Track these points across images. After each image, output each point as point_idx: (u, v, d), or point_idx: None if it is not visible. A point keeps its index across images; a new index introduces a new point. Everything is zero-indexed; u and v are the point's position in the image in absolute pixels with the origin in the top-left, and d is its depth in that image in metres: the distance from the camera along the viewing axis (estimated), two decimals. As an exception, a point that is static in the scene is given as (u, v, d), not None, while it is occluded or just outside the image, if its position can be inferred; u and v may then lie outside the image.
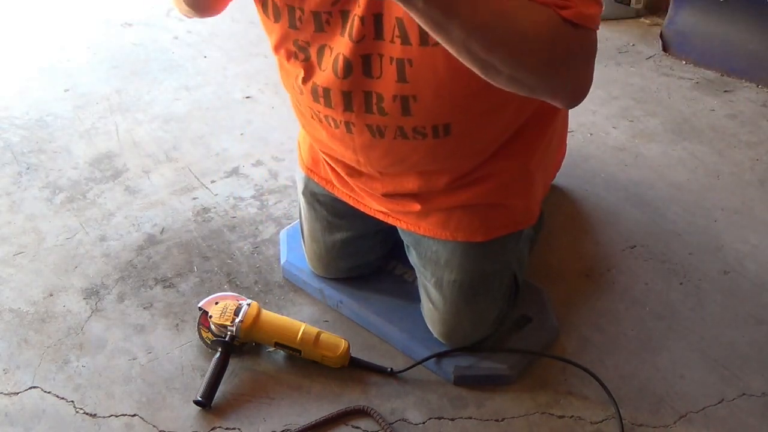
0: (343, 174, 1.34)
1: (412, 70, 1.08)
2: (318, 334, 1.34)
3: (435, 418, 1.28)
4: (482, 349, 1.34)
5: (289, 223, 1.68)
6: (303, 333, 1.33)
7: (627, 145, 2.01)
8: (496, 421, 1.27)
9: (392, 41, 1.06)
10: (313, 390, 1.33)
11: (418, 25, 0.97)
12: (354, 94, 1.14)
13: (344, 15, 1.07)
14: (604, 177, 1.88)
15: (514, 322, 1.39)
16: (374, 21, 1.05)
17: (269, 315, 1.38)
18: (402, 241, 1.43)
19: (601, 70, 2.36)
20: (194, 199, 1.81)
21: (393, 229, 1.41)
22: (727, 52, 2.34)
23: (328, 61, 1.13)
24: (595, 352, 1.40)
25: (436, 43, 1.00)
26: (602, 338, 1.43)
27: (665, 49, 2.48)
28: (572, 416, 1.28)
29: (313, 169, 1.42)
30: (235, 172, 1.90)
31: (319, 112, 1.20)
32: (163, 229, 1.71)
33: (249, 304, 1.36)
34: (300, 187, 1.48)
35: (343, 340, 1.34)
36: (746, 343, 1.42)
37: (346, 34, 1.08)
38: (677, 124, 2.10)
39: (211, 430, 1.27)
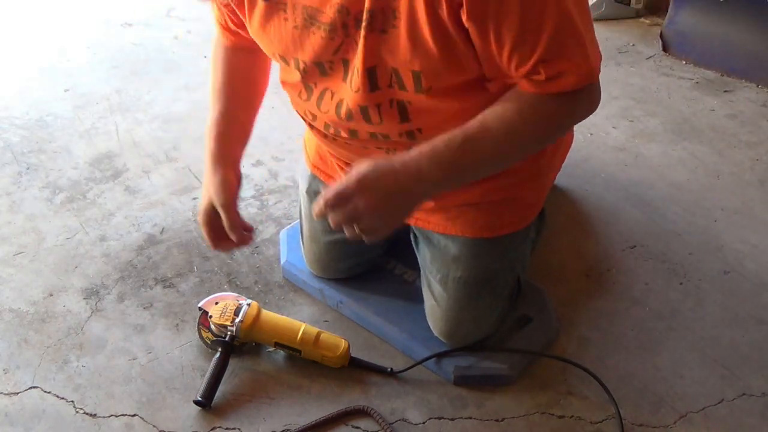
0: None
1: (413, 108, 1.10)
2: (318, 334, 1.34)
3: (435, 418, 1.28)
4: (483, 349, 1.34)
5: (289, 223, 1.68)
6: (303, 333, 1.33)
7: (627, 145, 2.01)
8: (496, 421, 1.27)
9: (390, 86, 1.08)
10: (313, 390, 1.33)
11: (412, 76, 1.04)
12: (359, 132, 1.17)
13: (345, 63, 1.09)
14: (604, 177, 1.88)
15: (515, 321, 1.40)
16: (369, 74, 1.06)
17: (269, 315, 1.38)
18: (402, 241, 1.43)
19: (601, 70, 2.36)
20: (194, 199, 1.81)
21: None
22: (727, 52, 2.34)
23: (329, 104, 1.15)
24: (595, 352, 1.40)
25: (430, 88, 1.04)
26: (602, 338, 1.43)
27: (665, 49, 2.48)
28: (572, 416, 1.28)
29: (319, 167, 1.43)
30: (235, 172, 1.90)
31: (328, 135, 1.23)
32: (163, 229, 1.71)
33: (249, 304, 1.36)
34: (303, 185, 1.48)
35: (343, 340, 1.34)
36: (746, 343, 1.42)
37: (348, 81, 1.10)
38: (677, 124, 2.10)
39: (211, 430, 1.26)
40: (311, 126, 1.25)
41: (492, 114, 1.03)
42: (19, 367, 1.37)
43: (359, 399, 1.30)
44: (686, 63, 2.42)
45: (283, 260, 1.56)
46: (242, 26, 1.21)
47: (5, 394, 1.32)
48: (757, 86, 2.28)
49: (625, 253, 1.63)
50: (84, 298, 1.52)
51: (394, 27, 0.99)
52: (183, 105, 2.20)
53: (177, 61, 2.45)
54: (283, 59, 1.15)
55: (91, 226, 1.72)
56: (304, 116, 1.25)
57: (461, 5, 0.93)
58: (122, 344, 1.42)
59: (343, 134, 1.19)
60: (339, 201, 0.98)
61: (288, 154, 1.96)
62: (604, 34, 2.59)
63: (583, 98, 1.05)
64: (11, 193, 1.84)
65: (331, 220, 1.01)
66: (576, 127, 2.04)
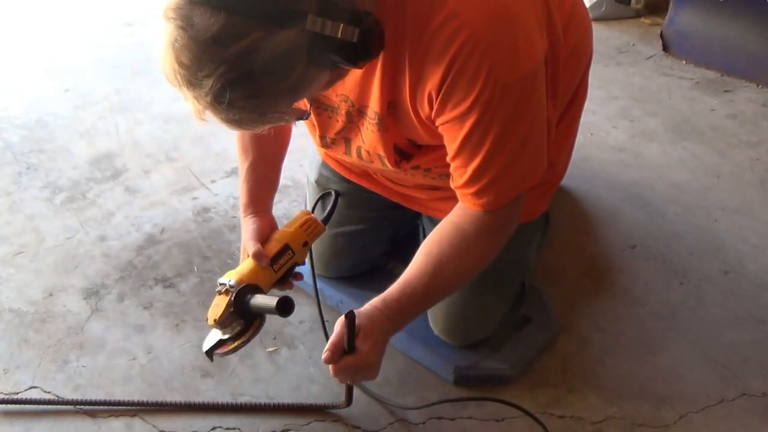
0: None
1: (424, 163, 1.22)
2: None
3: (435, 418, 1.28)
4: (483, 348, 1.34)
5: (289, 223, 1.68)
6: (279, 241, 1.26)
7: (627, 145, 2.01)
8: (496, 421, 1.27)
9: (398, 165, 1.21)
10: (313, 390, 1.33)
11: (410, 144, 1.19)
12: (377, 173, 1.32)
13: (347, 141, 1.23)
14: (604, 177, 1.88)
15: (515, 322, 1.39)
16: (379, 159, 1.21)
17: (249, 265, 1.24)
18: (402, 242, 1.43)
19: (601, 70, 2.36)
20: (194, 199, 1.81)
21: (399, 221, 1.43)
22: (727, 52, 2.34)
23: (352, 150, 1.26)
24: (595, 352, 1.40)
25: (423, 146, 1.20)
26: (602, 338, 1.43)
27: (665, 49, 2.48)
28: (572, 416, 1.28)
29: (331, 155, 1.43)
30: (235, 172, 1.90)
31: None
32: (163, 229, 1.71)
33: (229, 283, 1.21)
34: (313, 175, 1.49)
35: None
36: (746, 343, 1.42)
37: (353, 153, 1.24)
38: (677, 124, 2.10)
39: (211, 430, 1.27)
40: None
41: (443, 251, 1.15)
42: (19, 367, 1.37)
43: (359, 399, 1.30)
44: (686, 63, 2.42)
45: (283, 260, 1.56)
46: None
47: (5, 394, 1.32)
48: (757, 86, 2.28)
49: (625, 253, 1.63)
50: (84, 298, 1.52)
51: (389, 115, 1.12)
52: (183, 105, 2.18)
53: (177, 61, 2.45)
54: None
55: (91, 226, 1.72)
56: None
57: (429, 115, 1.07)
58: (122, 344, 1.42)
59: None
60: (350, 372, 1.13)
61: (288, 153, 1.95)
62: (604, 34, 2.59)
63: (513, 209, 1.16)
64: (11, 193, 1.84)
65: (339, 380, 1.18)
66: (576, 127, 2.05)
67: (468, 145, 1.07)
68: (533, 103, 1.07)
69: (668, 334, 1.44)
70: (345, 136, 1.22)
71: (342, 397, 1.26)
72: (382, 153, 1.18)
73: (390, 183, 1.38)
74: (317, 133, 1.24)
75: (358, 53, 0.90)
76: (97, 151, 2.00)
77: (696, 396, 1.32)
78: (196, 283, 1.56)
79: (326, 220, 1.33)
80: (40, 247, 1.66)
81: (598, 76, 2.33)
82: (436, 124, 1.08)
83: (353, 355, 1.10)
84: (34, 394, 1.32)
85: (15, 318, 1.48)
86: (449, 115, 1.04)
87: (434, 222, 1.36)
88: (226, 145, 2.00)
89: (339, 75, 0.98)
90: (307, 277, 1.51)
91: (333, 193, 1.37)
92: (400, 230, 1.51)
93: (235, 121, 0.90)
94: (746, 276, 1.57)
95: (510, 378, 1.33)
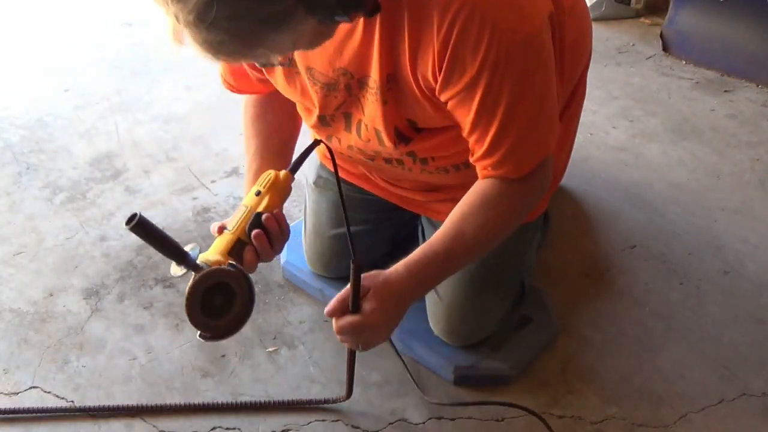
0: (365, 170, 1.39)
1: (421, 153, 1.19)
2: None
3: (435, 418, 1.28)
4: (483, 348, 1.34)
5: (290, 223, 1.68)
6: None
7: (627, 145, 2.01)
8: (496, 421, 1.27)
9: (396, 147, 1.16)
10: (312, 390, 1.33)
11: (410, 126, 1.14)
12: (375, 158, 1.25)
13: (347, 117, 1.18)
14: (604, 177, 1.88)
15: (515, 322, 1.39)
16: (376, 133, 1.16)
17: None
18: (403, 242, 1.43)
19: (601, 70, 2.36)
20: (194, 199, 1.81)
21: (399, 222, 1.43)
22: (727, 52, 2.34)
23: (343, 145, 1.23)
24: (595, 352, 1.40)
25: (425, 128, 1.15)
26: (602, 338, 1.43)
27: (665, 49, 2.48)
28: (572, 416, 1.28)
29: (329, 156, 1.43)
30: (235, 171, 1.90)
31: (343, 153, 1.28)
32: (163, 229, 1.71)
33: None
34: (311, 176, 1.49)
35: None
36: (746, 343, 1.42)
37: (353, 130, 1.19)
38: (677, 124, 2.10)
39: (211, 430, 1.27)
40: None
41: (465, 216, 1.12)
42: (19, 367, 1.37)
43: (359, 398, 1.30)
44: (686, 63, 2.42)
45: (283, 260, 1.56)
46: (265, 80, 1.25)
47: (5, 394, 1.32)
48: (757, 86, 2.28)
49: (625, 253, 1.63)
50: (84, 298, 1.52)
51: (390, 90, 1.08)
52: (183, 105, 2.20)
53: (177, 61, 2.45)
54: (302, 105, 1.23)
55: (91, 226, 1.72)
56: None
57: (434, 89, 1.04)
58: (122, 344, 1.42)
59: (360, 158, 1.27)
60: (351, 332, 1.09)
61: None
62: (604, 34, 2.59)
63: (537, 177, 1.14)
64: (11, 193, 1.84)
65: (341, 340, 1.12)
66: (576, 127, 2.05)
67: (481, 116, 1.04)
68: (541, 64, 1.04)
69: (668, 334, 1.44)
70: (345, 111, 1.17)
71: (342, 393, 1.27)
72: (381, 128, 1.14)
73: (388, 185, 1.38)
74: (316, 112, 1.19)
75: (350, 2, 0.87)
76: (97, 151, 2.00)
77: (696, 396, 1.32)
78: (196, 283, 1.56)
79: (293, 169, 1.21)
80: (40, 247, 1.66)
81: (597, 76, 2.34)
82: (444, 100, 1.05)
83: (356, 314, 1.07)
84: (34, 394, 1.32)
85: (15, 318, 1.48)
86: (456, 87, 1.02)
87: (433, 223, 1.36)
88: (226, 145, 2.00)
89: (326, 31, 0.94)
90: (307, 277, 1.52)
91: (315, 141, 1.23)
92: (402, 231, 1.51)
93: (214, 45, 0.85)
94: (746, 276, 1.57)
95: (510, 378, 1.33)
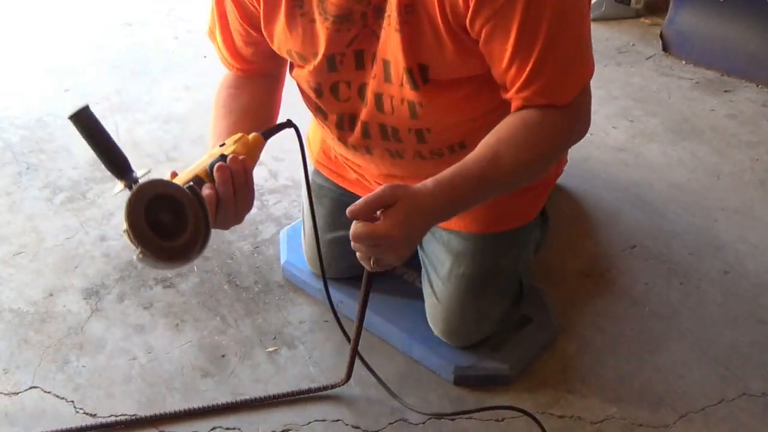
0: (359, 171, 1.37)
1: (423, 110, 1.13)
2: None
3: (435, 418, 1.28)
4: (483, 348, 1.34)
5: (289, 223, 1.68)
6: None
7: (627, 145, 2.01)
8: (496, 421, 1.27)
9: (401, 86, 1.10)
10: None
11: (420, 72, 1.07)
12: (370, 124, 1.19)
13: (358, 54, 1.11)
14: (604, 177, 1.88)
15: (515, 322, 1.39)
16: (384, 65, 1.10)
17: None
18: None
19: (601, 70, 2.36)
20: (194, 199, 1.81)
21: None
22: (727, 52, 2.34)
23: (346, 93, 1.17)
24: (595, 352, 1.40)
25: (436, 81, 1.09)
26: (602, 338, 1.43)
27: (665, 49, 2.48)
28: (572, 416, 1.28)
29: (323, 163, 1.43)
30: (235, 172, 1.90)
31: (340, 137, 1.24)
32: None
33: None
34: (306, 183, 1.48)
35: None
36: (746, 343, 1.42)
37: (366, 68, 1.12)
38: (677, 124, 2.10)
39: (211, 430, 1.27)
40: (324, 126, 1.27)
41: (502, 139, 1.05)
42: (19, 367, 1.37)
43: (359, 399, 1.30)
44: (686, 63, 2.42)
45: (283, 260, 1.56)
46: (253, 43, 1.21)
47: (5, 394, 1.32)
48: (757, 86, 2.28)
49: (625, 253, 1.63)
50: (84, 298, 1.52)
51: (407, 23, 1.02)
52: (183, 105, 2.20)
53: (177, 61, 2.45)
54: (301, 56, 1.16)
55: (91, 226, 1.72)
56: (320, 118, 1.26)
57: (465, 15, 0.98)
58: (122, 344, 1.42)
59: (356, 134, 1.21)
60: (368, 241, 1.00)
61: (288, 154, 1.96)
62: (604, 34, 2.59)
63: (582, 106, 1.11)
64: (11, 193, 1.84)
65: (354, 247, 1.03)
66: (576, 127, 2.05)
67: (522, 39, 0.98)
68: None
69: (668, 334, 1.44)
70: (357, 48, 1.10)
71: (340, 397, 1.27)
72: (392, 59, 1.06)
73: None
74: (319, 56, 1.11)
75: None
76: (97, 151, 1.99)
77: (696, 396, 1.32)
78: (196, 283, 1.56)
79: (266, 133, 1.12)
80: (40, 247, 1.66)
81: (598, 76, 2.31)
82: (477, 29, 0.98)
83: (375, 223, 0.98)
84: (34, 394, 1.32)
85: (15, 318, 1.48)
86: (493, 5, 0.95)
87: None
88: (226, 145, 2.00)
89: None
90: (307, 277, 1.52)
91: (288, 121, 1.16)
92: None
93: None
94: (746, 276, 1.57)
95: (510, 378, 1.33)
